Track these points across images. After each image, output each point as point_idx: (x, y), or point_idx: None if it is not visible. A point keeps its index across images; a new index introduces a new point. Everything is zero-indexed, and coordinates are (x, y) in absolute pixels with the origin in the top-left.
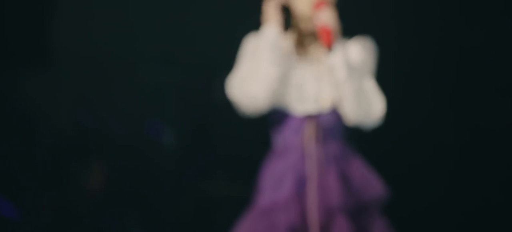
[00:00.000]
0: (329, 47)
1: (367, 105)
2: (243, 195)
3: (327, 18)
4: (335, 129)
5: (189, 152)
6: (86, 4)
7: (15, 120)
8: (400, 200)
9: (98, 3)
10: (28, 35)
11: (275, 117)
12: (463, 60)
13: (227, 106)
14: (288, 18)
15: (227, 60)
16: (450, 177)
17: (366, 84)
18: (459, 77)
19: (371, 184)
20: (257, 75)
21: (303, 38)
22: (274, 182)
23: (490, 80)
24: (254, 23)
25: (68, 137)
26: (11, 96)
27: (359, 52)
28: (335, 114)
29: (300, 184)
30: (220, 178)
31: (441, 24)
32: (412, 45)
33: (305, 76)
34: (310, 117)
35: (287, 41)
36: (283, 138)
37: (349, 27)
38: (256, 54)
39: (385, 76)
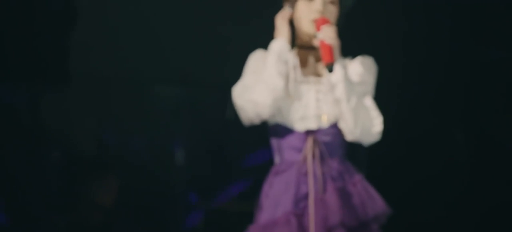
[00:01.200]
0: (330, 64)
1: (366, 123)
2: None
3: (328, 35)
4: (335, 146)
5: (202, 170)
6: (104, 25)
7: (33, 137)
8: (400, 218)
9: (116, 24)
10: (48, 55)
11: (276, 134)
12: (473, 77)
13: (241, 126)
14: (293, 35)
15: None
16: (454, 195)
17: (365, 102)
18: (469, 92)
19: (371, 201)
20: (262, 83)
21: (305, 55)
22: (274, 199)
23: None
24: (268, 42)
25: (83, 154)
26: (30, 114)
27: (359, 70)
28: (335, 131)
29: (300, 201)
30: (233, 197)
31: (451, 40)
32: (420, 63)
33: (306, 93)
34: (310, 134)
35: (293, 55)
36: (283, 154)
37: (354, 45)
38: (262, 65)
39: (394, 92)
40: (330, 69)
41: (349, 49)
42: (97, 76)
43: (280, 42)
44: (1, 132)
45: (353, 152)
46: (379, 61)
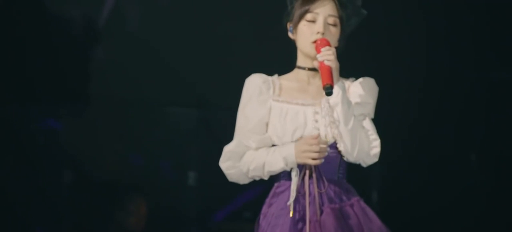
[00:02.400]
0: (328, 86)
1: (364, 144)
2: None
3: (328, 57)
4: (333, 167)
5: (218, 194)
6: (122, 50)
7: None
8: None
9: (133, 49)
10: (69, 78)
11: None
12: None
13: None
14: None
15: None
16: (470, 220)
17: (364, 124)
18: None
19: (369, 222)
20: (250, 170)
21: (305, 76)
22: (272, 220)
23: None
24: (283, 64)
25: (102, 177)
26: (53, 136)
27: (359, 92)
28: (333, 152)
29: (298, 223)
30: (246, 218)
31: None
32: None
33: (305, 115)
34: None
35: (285, 81)
36: (280, 175)
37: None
38: (254, 115)
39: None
40: (329, 91)
41: (357, 70)
42: (116, 98)
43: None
44: (22, 153)
45: (366, 176)
46: (392, 85)
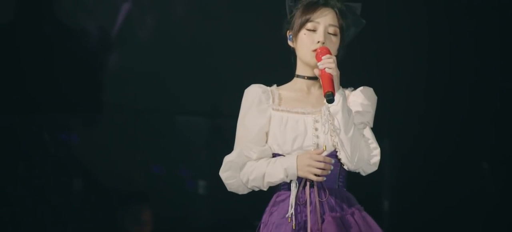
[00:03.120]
0: (329, 94)
1: (364, 153)
2: None
3: (328, 65)
4: (333, 176)
5: (227, 202)
6: (135, 59)
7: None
8: None
9: (146, 58)
10: (82, 89)
11: None
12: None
13: None
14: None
15: None
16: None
17: (364, 132)
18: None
19: (370, 231)
20: (251, 180)
21: (305, 85)
22: (273, 230)
23: None
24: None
25: (112, 186)
26: (64, 146)
27: (359, 100)
28: (334, 161)
29: (298, 231)
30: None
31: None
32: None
33: (305, 123)
34: None
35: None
36: (282, 186)
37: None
38: (253, 125)
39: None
40: (330, 98)
41: (360, 79)
42: (129, 107)
43: (294, 173)
44: (33, 163)
45: (377, 183)
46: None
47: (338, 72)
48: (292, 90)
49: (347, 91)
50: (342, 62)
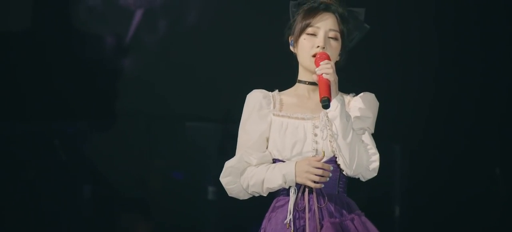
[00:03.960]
0: (325, 99)
1: (363, 158)
2: None
3: (326, 70)
4: (333, 181)
5: (235, 209)
6: (148, 66)
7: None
8: None
9: (159, 65)
10: (95, 95)
11: None
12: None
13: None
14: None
15: None
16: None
17: (363, 138)
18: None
19: None
20: (250, 186)
21: (306, 90)
22: None
23: None
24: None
25: (121, 190)
26: (80, 146)
27: (359, 106)
28: (333, 167)
29: None
30: None
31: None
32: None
33: (305, 129)
34: None
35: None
36: (281, 191)
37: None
38: (254, 131)
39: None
40: (326, 104)
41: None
42: (142, 113)
43: (292, 179)
44: (45, 168)
45: (387, 188)
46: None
47: (336, 78)
48: (294, 96)
49: (348, 97)
50: (348, 67)
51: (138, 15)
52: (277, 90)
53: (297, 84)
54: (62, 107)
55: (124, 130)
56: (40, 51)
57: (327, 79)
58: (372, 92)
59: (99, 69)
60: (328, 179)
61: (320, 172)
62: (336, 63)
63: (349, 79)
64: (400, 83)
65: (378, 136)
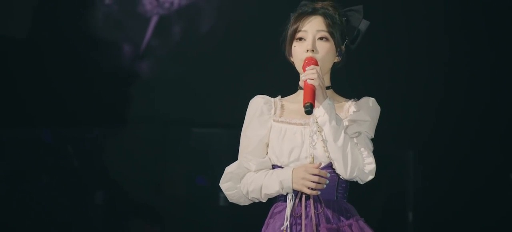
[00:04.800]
0: (308, 104)
1: (357, 162)
2: None
3: (310, 76)
4: (330, 187)
5: (247, 215)
6: (162, 72)
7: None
8: None
9: (173, 70)
10: (107, 101)
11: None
12: None
13: None
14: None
15: None
16: None
17: (358, 141)
18: None
19: None
20: (250, 192)
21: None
22: None
23: None
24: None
25: (134, 196)
26: (93, 152)
27: (354, 109)
28: (330, 172)
29: None
30: None
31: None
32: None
33: (303, 135)
34: None
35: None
36: (279, 197)
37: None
38: (256, 137)
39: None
40: (308, 109)
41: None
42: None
43: (289, 185)
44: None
45: (401, 194)
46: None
47: (321, 83)
48: (295, 102)
49: (349, 102)
50: (365, 73)
51: (153, 21)
52: (279, 96)
53: (298, 90)
54: (77, 114)
55: (139, 136)
56: (56, 57)
57: (311, 85)
58: (389, 98)
59: (115, 75)
60: (324, 186)
61: (316, 178)
62: (335, 64)
63: (366, 85)
64: (414, 89)
65: (392, 142)
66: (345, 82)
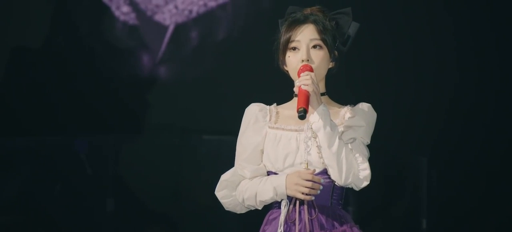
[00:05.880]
0: (302, 110)
1: (352, 167)
2: None
3: (304, 82)
4: (325, 193)
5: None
6: (176, 80)
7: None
8: None
9: (188, 82)
10: (129, 110)
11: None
12: None
13: None
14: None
15: None
16: None
17: (353, 147)
18: None
19: None
20: (245, 199)
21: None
22: None
23: None
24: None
25: (149, 204)
26: (112, 159)
27: (349, 115)
28: (324, 178)
29: None
30: None
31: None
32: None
33: (298, 141)
34: None
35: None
36: (274, 204)
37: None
38: (250, 144)
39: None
40: (301, 114)
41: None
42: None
43: (282, 191)
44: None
45: (415, 201)
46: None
47: (316, 89)
48: (290, 109)
49: (344, 109)
50: (381, 81)
51: (170, 30)
52: (275, 104)
53: (294, 97)
54: (95, 121)
55: (156, 143)
56: (73, 65)
57: (305, 90)
58: (401, 105)
59: (132, 83)
60: (318, 192)
61: (309, 184)
62: (330, 70)
63: (376, 93)
64: (427, 97)
65: (406, 149)
66: (361, 89)
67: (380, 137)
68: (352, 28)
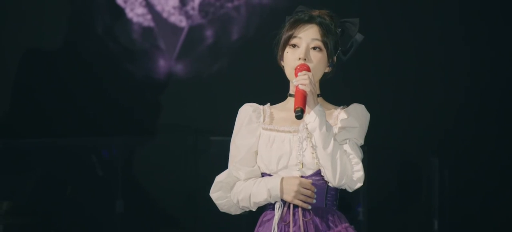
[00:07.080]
0: (299, 110)
1: (346, 168)
2: None
3: (302, 81)
4: (319, 194)
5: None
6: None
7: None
8: None
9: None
10: (141, 113)
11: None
12: None
13: None
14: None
15: None
16: None
17: (347, 148)
18: None
19: None
20: (240, 200)
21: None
22: None
23: None
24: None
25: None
26: (130, 161)
27: (343, 116)
28: (319, 179)
29: None
30: None
31: None
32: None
33: (291, 143)
34: None
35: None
36: (268, 205)
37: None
38: (244, 145)
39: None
40: (298, 114)
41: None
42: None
43: (277, 194)
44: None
45: (427, 202)
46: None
47: (313, 89)
48: (284, 109)
49: (337, 110)
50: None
51: (185, 31)
52: (268, 104)
53: (288, 98)
54: (110, 123)
55: (171, 145)
56: (86, 67)
57: (303, 90)
58: (412, 106)
59: (147, 84)
60: (314, 201)
61: (309, 193)
62: (325, 75)
63: (387, 94)
64: (438, 97)
65: (417, 150)
66: (373, 91)
67: (392, 139)
68: (357, 38)
